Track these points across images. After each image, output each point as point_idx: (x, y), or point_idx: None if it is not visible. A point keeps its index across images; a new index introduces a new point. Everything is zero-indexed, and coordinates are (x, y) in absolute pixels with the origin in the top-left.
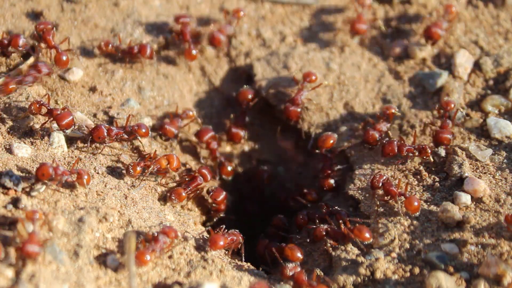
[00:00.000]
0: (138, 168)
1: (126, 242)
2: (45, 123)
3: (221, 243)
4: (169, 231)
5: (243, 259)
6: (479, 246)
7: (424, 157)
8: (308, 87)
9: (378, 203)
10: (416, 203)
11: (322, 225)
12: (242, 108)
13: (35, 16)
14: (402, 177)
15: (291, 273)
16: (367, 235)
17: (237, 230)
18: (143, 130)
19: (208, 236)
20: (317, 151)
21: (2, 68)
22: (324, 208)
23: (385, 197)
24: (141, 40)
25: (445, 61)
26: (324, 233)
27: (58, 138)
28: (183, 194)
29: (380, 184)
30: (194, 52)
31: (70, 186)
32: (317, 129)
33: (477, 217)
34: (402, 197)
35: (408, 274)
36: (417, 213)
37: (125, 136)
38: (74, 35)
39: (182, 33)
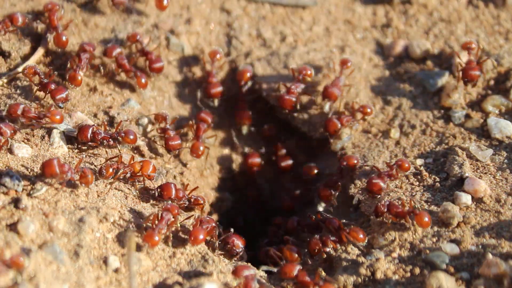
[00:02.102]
0: (111, 170)
1: (127, 242)
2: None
3: (201, 237)
4: (171, 208)
5: (217, 244)
6: (480, 246)
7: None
8: (305, 81)
9: (389, 223)
10: (426, 219)
11: (316, 236)
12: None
13: (35, 16)
14: (403, 177)
15: (293, 273)
16: (361, 236)
17: (209, 216)
18: (131, 137)
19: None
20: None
21: (2, 69)
22: (316, 216)
23: (396, 219)
24: (141, 40)
25: (446, 61)
26: (321, 243)
27: (58, 138)
28: (201, 148)
29: (386, 209)
30: (201, 148)
31: (72, 185)
32: (317, 130)
33: (478, 217)
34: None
35: (408, 274)
36: (428, 228)
37: (112, 142)
38: (75, 35)
39: (197, 128)
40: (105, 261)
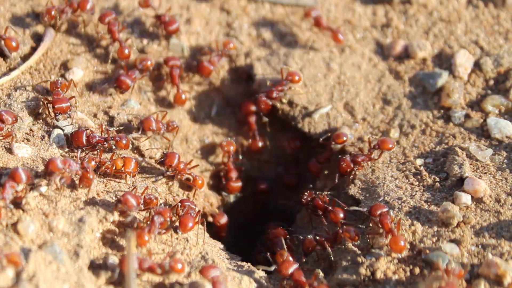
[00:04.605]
0: (93, 163)
1: (126, 242)
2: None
3: (190, 224)
4: (164, 211)
5: (204, 230)
6: (480, 246)
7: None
8: (287, 86)
9: (369, 236)
10: (402, 243)
11: (309, 236)
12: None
13: (35, 16)
14: (403, 178)
15: (289, 271)
16: (353, 234)
17: (191, 201)
18: (123, 142)
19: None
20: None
21: (2, 69)
22: (326, 200)
23: (379, 230)
24: (141, 40)
25: (445, 61)
26: (315, 243)
27: (58, 138)
28: (183, 97)
29: (378, 213)
30: (183, 96)
31: (72, 185)
32: (317, 129)
33: (478, 217)
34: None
35: (408, 274)
36: (402, 254)
37: (106, 145)
38: (74, 35)
39: (171, 76)
40: (105, 261)
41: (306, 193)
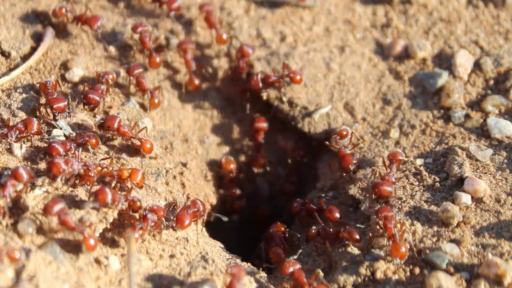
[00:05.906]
0: (99, 168)
1: (126, 242)
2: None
3: (187, 221)
4: (158, 209)
5: (201, 229)
6: (480, 246)
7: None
8: (285, 81)
9: (371, 235)
10: (403, 249)
11: (314, 226)
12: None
13: (35, 16)
14: (403, 178)
15: (290, 270)
16: (356, 237)
17: (199, 200)
18: (93, 141)
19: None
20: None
21: (2, 69)
22: (318, 203)
23: (381, 231)
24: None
25: (445, 61)
26: (316, 234)
27: (58, 138)
28: (157, 60)
29: (382, 215)
30: (157, 59)
31: (71, 185)
32: (317, 129)
33: (478, 217)
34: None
35: (408, 274)
36: (403, 260)
37: (81, 148)
38: (74, 35)
39: (142, 42)
40: (105, 261)
41: (295, 203)
